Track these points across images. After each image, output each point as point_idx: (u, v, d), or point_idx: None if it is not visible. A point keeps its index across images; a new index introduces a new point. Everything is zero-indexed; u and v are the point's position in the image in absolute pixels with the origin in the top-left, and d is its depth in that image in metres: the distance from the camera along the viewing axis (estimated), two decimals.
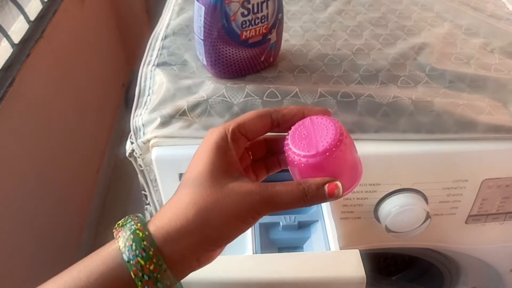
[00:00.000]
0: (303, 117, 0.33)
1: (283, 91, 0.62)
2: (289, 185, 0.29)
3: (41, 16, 1.12)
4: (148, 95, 0.64)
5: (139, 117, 0.61)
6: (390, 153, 0.59)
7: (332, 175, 0.31)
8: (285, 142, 0.33)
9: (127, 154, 0.61)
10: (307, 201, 0.29)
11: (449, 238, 0.72)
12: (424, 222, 0.62)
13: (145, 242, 0.26)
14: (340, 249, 0.52)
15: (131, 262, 0.25)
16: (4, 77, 0.92)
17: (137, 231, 0.27)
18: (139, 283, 0.25)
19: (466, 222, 0.69)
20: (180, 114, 0.59)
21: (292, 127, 0.33)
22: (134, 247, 0.26)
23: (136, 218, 0.29)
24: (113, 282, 0.25)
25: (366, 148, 0.59)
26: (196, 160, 0.31)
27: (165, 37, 0.75)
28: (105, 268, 0.26)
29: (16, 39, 1.01)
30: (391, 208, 0.61)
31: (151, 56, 0.71)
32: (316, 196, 0.29)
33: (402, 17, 0.82)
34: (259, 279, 0.45)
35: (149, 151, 0.59)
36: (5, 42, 0.98)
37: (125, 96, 1.79)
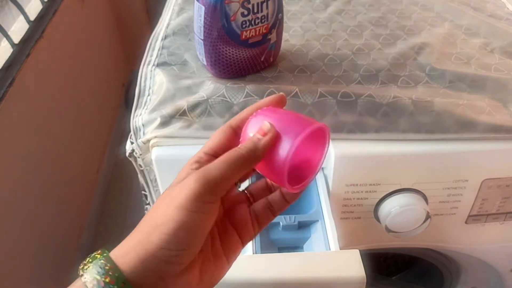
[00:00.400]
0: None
1: (283, 91, 0.62)
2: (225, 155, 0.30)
3: (41, 16, 1.12)
4: (148, 95, 0.64)
5: (139, 117, 0.61)
6: (390, 153, 0.59)
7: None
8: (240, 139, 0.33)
9: (127, 154, 0.61)
10: (247, 158, 0.30)
11: (449, 238, 0.72)
12: (424, 222, 0.62)
13: (107, 267, 0.27)
14: (340, 249, 0.51)
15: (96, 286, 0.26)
16: (4, 77, 0.92)
17: (102, 263, 0.28)
18: None
19: (466, 222, 0.69)
20: (180, 114, 0.59)
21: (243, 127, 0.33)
22: (97, 276, 0.27)
23: (98, 253, 0.30)
24: None
25: (366, 148, 0.59)
26: (179, 187, 0.30)
27: (165, 37, 0.75)
28: None
29: (16, 39, 1.01)
30: (391, 208, 0.61)
31: (151, 56, 0.71)
32: (250, 146, 0.30)
33: (402, 17, 0.82)
34: (259, 279, 0.45)
35: (149, 151, 0.59)
36: (5, 42, 0.98)
37: (125, 96, 1.79)
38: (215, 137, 0.32)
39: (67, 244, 1.18)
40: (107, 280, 0.26)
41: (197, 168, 0.31)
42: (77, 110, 1.32)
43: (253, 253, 0.52)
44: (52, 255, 1.07)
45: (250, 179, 0.38)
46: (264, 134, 0.31)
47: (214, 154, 0.32)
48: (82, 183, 1.34)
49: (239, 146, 0.31)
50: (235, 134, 0.33)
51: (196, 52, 0.66)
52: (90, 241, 1.32)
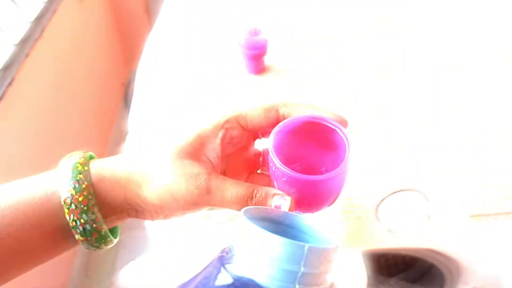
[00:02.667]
0: None
1: (283, 91, 0.62)
2: (238, 186, 0.27)
3: (41, 16, 1.12)
4: (148, 95, 0.64)
5: (139, 117, 0.60)
6: (392, 153, 0.59)
7: (303, 195, 0.26)
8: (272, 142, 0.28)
9: None
10: (246, 206, 0.27)
11: (450, 238, 0.72)
12: (424, 222, 0.62)
13: (81, 175, 0.28)
14: (341, 249, 0.51)
15: (64, 189, 0.27)
16: (3, 77, 0.91)
17: (78, 164, 0.28)
18: (66, 210, 0.27)
19: (466, 222, 0.68)
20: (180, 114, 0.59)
21: (283, 123, 0.28)
22: (70, 177, 0.27)
23: (83, 153, 0.30)
24: (44, 202, 0.27)
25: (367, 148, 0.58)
26: (182, 134, 0.30)
27: (165, 36, 0.75)
28: (39, 189, 0.27)
29: (16, 39, 1.01)
30: (392, 208, 0.61)
31: (150, 56, 0.71)
32: (259, 204, 0.27)
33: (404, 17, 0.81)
34: None
35: None
36: (4, 42, 0.98)
37: (124, 95, 1.79)
38: (258, 114, 0.29)
39: None
40: (80, 199, 0.27)
41: (222, 129, 0.29)
42: (76, 109, 1.32)
43: None
44: None
45: None
46: (279, 208, 0.27)
47: (245, 127, 0.30)
48: None
49: (259, 189, 0.27)
50: (277, 119, 0.30)
51: None
52: None
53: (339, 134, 0.27)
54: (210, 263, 0.22)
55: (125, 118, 0.63)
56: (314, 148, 0.29)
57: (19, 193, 0.27)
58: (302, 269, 0.18)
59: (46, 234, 0.27)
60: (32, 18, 1.10)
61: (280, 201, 0.27)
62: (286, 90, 0.62)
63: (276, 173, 0.27)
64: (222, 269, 0.20)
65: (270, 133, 0.28)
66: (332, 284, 0.21)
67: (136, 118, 0.62)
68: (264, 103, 0.30)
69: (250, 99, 0.61)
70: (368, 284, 0.44)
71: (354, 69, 0.68)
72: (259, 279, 0.18)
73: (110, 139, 1.61)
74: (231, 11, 0.82)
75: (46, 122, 1.12)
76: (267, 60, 0.67)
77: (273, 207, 0.26)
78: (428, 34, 0.76)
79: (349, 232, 0.67)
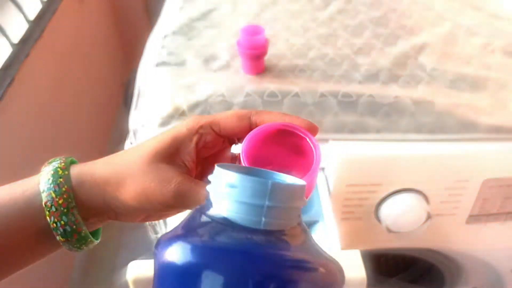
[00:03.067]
0: None
1: (283, 91, 0.62)
2: None
3: (41, 16, 1.12)
4: (148, 95, 0.64)
5: (139, 117, 0.61)
6: (391, 153, 0.59)
7: None
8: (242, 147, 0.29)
9: None
10: None
11: (450, 238, 0.72)
12: (424, 222, 0.62)
13: (61, 179, 0.29)
14: (341, 249, 0.51)
15: (45, 193, 0.28)
16: (3, 77, 0.91)
17: (58, 169, 0.29)
18: (47, 212, 0.28)
19: (466, 223, 0.68)
20: (180, 114, 0.59)
21: (255, 130, 0.29)
22: (50, 181, 0.29)
23: (64, 159, 0.31)
24: (27, 205, 0.28)
25: (367, 149, 0.58)
26: (157, 138, 0.31)
27: (165, 36, 0.75)
28: (21, 194, 0.29)
29: (16, 39, 1.01)
30: (392, 208, 0.61)
31: (151, 56, 0.71)
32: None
33: (403, 16, 0.81)
34: None
35: None
36: (4, 42, 0.98)
37: (124, 95, 1.79)
38: (231, 121, 0.31)
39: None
40: (60, 201, 0.28)
41: (196, 135, 0.30)
42: (76, 109, 1.32)
43: None
44: (51, 254, 1.07)
45: None
46: None
47: (218, 133, 0.31)
48: None
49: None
50: (249, 126, 0.31)
51: None
52: None
53: (308, 142, 0.29)
54: (189, 214, 0.24)
55: (125, 118, 0.63)
56: (285, 155, 0.30)
57: (1, 197, 0.29)
58: (267, 203, 0.20)
59: (29, 236, 0.28)
60: (32, 18, 1.10)
61: None
62: (285, 90, 0.62)
63: None
64: (200, 214, 0.22)
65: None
66: (300, 223, 0.22)
67: (137, 118, 0.62)
68: (237, 110, 0.31)
69: (250, 98, 0.61)
70: (368, 284, 0.44)
71: (355, 68, 0.68)
72: (230, 216, 0.20)
73: (110, 139, 1.61)
74: (231, 11, 0.82)
75: (46, 122, 1.12)
76: (267, 60, 0.67)
77: None
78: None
79: (349, 232, 0.67)
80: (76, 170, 0.30)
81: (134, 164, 0.29)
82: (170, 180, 0.28)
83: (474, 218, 0.68)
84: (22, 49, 1.00)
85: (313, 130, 0.30)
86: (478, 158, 0.60)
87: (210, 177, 0.23)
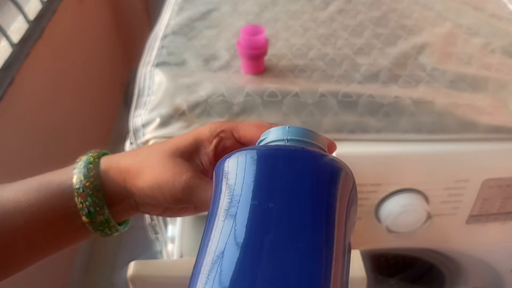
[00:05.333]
0: None
1: (283, 91, 0.62)
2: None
3: (41, 16, 1.12)
4: (148, 95, 0.64)
5: (139, 117, 0.61)
6: (391, 153, 0.59)
7: None
8: None
9: None
10: None
11: (450, 238, 0.72)
12: (425, 222, 0.62)
13: (91, 165, 0.32)
14: None
15: (75, 176, 0.31)
16: (3, 77, 0.91)
17: (91, 157, 0.33)
18: (76, 193, 0.31)
19: (466, 222, 0.68)
20: (180, 114, 0.59)
21: None
22: (82, 166, 0.32)
23: (98, 150, 0.34)
24: (60, 187, 0.31)
25: (367, 149, 0.58)
26: (181, 136, 0.33)
27: (165, 36, 0.75)
28: (57, 177, 0.32)
29: (16, 39, 1.01)
30: (392, 208, 0.61)
31: (151, 55, 0.71)
32: None
33: (403, 16, 0.81)
34: None
35: None
36: (4, 42, 0.98)
37: (124, 95, 1.79)
38: (250, 129, 0.32)
39: None
40: (87, 184, 0.31)
41: (216, 138, 0.32)
42: (76, 110, 1.32)
43: None
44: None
45: None
46: None
47: (238, 140, 0.33)
48: None
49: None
50: None
51: None
52: (88, 243, 1.32)
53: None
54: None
55: (125, 118, 0.63)
56: None
57: (43, 179, 0.32)
58: (288, 136, 0.27)
59: (60, 216, 0.31)
60: (32, 18, 1.10)
61: None
62: (285, 90, 0.62)
63: None
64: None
65: None
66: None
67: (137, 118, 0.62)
68: (260, 121, 0.34)
69: (250, 98, 0.61)
70: (368, 284, 0.44)
71: (355, 68, 0.68)
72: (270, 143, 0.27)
73: (110, 139, 1.61)
74: (231, 11, 0.82)
75: (46, 122, 1.12)
76: (267, 60, 0.67)
77: None
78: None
79: None
80: (106, 159, 0.33)
81: (154, 156, 0.32)
82: (182, 174, 0.30)
83: (474, 218, 0.68)
84: (22, 49, 1.00)
85: (330, 147, 0.31)
86: (478, 158, 0.60)
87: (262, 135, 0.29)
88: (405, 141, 0.59)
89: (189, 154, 0.32)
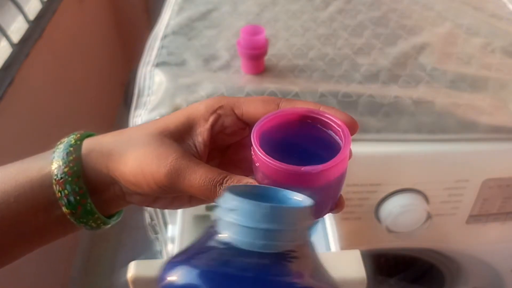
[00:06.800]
0: None
1: (283, 91, 0.62)
2: (210, 170, 0.25)
3: (41, 16, 1.12)
4: (148, 95, 0.64)
5: (139, 117, 0.61)
6: (391, 153, 0.59)
7: None
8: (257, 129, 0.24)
9: None
10: (215, 193, 0.24)
11: (450, 238, 0.72)
12: (425, 222, 0.62)
13: (71, 148, 0.28)
14: (341, 249, 0.51)
15: (54, 161, 0.27)
16: (3, 77, 0.91)
17: (72, 139, 0.28)
18: (54, 181, 0.27)
19: (467, 222, 0.68)
20: None
21: (276, 112, 0.25)
22: (61, 150, 0.28)
23: (82, 132, 0.30)
24: (39, 175, 0.27)
25: (367, 149, 0.58)
26: (173, 114, 0.29)
27: (165, 36, 0.75)
28: (37, 163, 0.28)
29: (16, 39, 1.01)
30: (392, 208, 0.61)
31: (150, 56, 0.71)
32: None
33: (403, 16, 0.81)
34: None
35: None
36: (4, 42, 0.98)
37: (124, 95, 1.79)
38: (255, 105, 0.27)
39: (66, 243, 1.18)
40: (66, 169, 0.27)
41: (213, 115, 0.27)
42: (76, 110, 1.32)
43: None
44: (51, 254, 1.07)
45: None
46: None
47: (240, 117, 0.28)
48: None
49: (229, 175, 0.25)
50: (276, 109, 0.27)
51: None
52: (88, 243, 1.32)
53: (340, 137, 0.25)
54: (197, 238, 0.22)
55: (125, 118, 0.63)
56: (307, 146, 0.26)
57: (21, 166, 0.28)
58: (266, 226, 0.19)
59: (39, 207, 0.27)
60: (32, 18, 1.10)
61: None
62: (285, 90, 0.62)
63: (255, 163, 0.24)
64: (208, 238, 0.21)
65: None
66: (306, 243, 0.21)
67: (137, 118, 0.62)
68: (265, 96, 0.28)
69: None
70: (368, 284, 0.44)
71: (355, 68, 0.68)
72: (232, 240, 0.19)
73: None
74: (231, 11, 0.82)
75: (46, 122, 1.12)
76: (267, 60, 0.67)
77: None
78: None
79: (349, 232, 0.67)
80: (88, 141, 0.29)
81: (139, 136, 0.27)
82: (168, 155, 0.25)
83: (474, 218, 0.68)
84: (22, 49, 1.00)
85: (353, 126, 0.26)
86: (478, 158, 0.60)
87: (217, 200, 0.22)
88: (405, 141, 0.59)
89: (179, 135, 0.27)
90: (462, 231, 0.70)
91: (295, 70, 0.67)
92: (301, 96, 0.61)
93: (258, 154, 0.23)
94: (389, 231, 0.63)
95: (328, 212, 0.27)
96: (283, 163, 0.22)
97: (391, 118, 0.60)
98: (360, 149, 0.58)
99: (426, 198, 0.63)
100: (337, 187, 0.25)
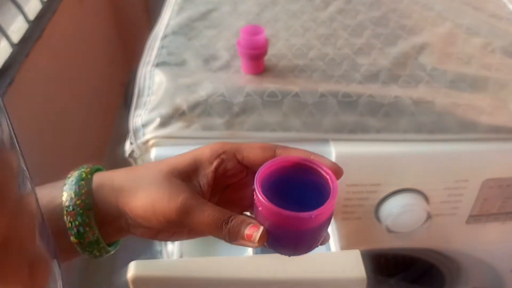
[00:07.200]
0: None
1: (283, 91, 0.62)
2: (217, 210, 0.28)
3: (41, 16, 1.12)
4: (148, 95, 0.64)
5: (139, 117, 0.61)
6: (391, 153, 0.59)
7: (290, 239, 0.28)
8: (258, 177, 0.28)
9: (127, 154, 0.61)
10: (221, 231, 0.28)
11: (450, 238, 0.72)
12: (425, 222, 0.62)
13: (83, 182, 0.30)
14: (341, 249, 0.51)
15: (65, 193, 0.30)
16: (3, 77, 0.91)
17: (83, 173, 0.31)
18: (65, 211, 0.29)
19: (467, 222, 0.68)
20: (180, 114, 0.59)
21: (275, 160, 0.29)
22: (73, 183, 0.30)
23: (91, 165, 0.32)
24: (50, 205, 0.29)
25: (367, 149, 0.58)
26: (180, 155, 0.32)
27: (165, 36, 0.75)
28: (49, 194, 0.30)
29: (16, 39, 1.01)
30: (392, 208, 0.61)
31: (150, 56, 0.71)
32: (232, 229, 0.28)
33: (403, 16, 0.81)
34: (260, 279, 0.44)
35: (148, 151, 0.59)
36: (4, 42, 0.98)
37: (124, 95, 1.79)
38: (254, 151, 0.31)
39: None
40: (78, 202, 0.29)
41: (217, 159, 0.30)
42: (76, 110, 1.32)
43: (254, 254, 0.52)
44: None
45: None
46: (248, 237, 0.28)
47: (241, 161, 0.31)
48: None
49: (233, 216, 0.28)
50: (273, 156, 0.31)
51: None
52: None
53: (328, 182, 0.28)
54: None
55: (125, 118, 0.63)
56: (300, 189, 0.30)
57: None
58: None
59: None
60: (32, 18, 1.10)
61: (253, 230, 0.28)
62: (285, 90, 0.62)
63: (258, 207, 0.28)
64: None
65: None
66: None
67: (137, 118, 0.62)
68: (264, 143, 0.32)
69: (250, 98, 0.61)
70: (368, 284, 0.44)
71: (355, 68, 0.68)
72: None
73: (110, 139, 1.61)
74: (231, 11, 0.82)
75: (46, 122, 1.12)
76: (267, 60, 0.67)
77: (245, 236, 0.28)
78: None
79: (349, 232, 0.67)
80: (99, 176, 0.31)
81: (150, 175, 0.30)
82: (179, 194, 0.29)
83: (474, 218, 0.68)
84: (22, 49, 1.00)
85: (337, 172, 0.29)
86: (478, 158, 0.60)
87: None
88: (405, 141, 0.59)
89: (187, 175, 0.30)
90: (462, 231, 0.70)
91: (295, 70, 0.67)
92: (301, 96, 0.61)
93: (261, 200, 0.27)
94: (389, 231, 0.63)
95: (318, 246, 0.31)
96: (283, 210, 0.26)
97: (391, 118, 0.60)
98: (360, 149, 0.58)
99: (426, 198, 0.63)
100: (326, 225, 0.29)
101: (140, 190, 0.29)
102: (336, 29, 0.78)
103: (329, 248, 0.52)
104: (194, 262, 0.40)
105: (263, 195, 0.27)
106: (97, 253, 0.31)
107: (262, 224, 0.28)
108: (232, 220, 0.28)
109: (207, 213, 0.28)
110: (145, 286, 0.46)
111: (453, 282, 0.87)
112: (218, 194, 0.33)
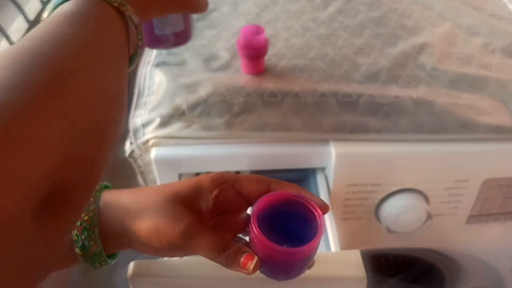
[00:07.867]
0: None
1: (283, 91, 0.62)
2: (216, 236, 0.31)
3: (41, 16, 1.12)
4: (148, 95, 0.64)
5: (139, 117, 0.61)
6: (391, 153, 0.59)
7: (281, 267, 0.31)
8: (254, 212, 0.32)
9: (127, 154, 0.61)
10: (219, 257, 0.31)
11: (450, 238, 0.72)
12: (425, 222, 0.62)
13: (91, 199, 0.32)
14: (341, 249, 0.51)
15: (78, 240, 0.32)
16: None
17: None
18: None
19: (466, 222, 0.68)
20: (180, 114, 0.59)
21: (266, 197, 0.32)
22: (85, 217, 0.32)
23: (100, 183, 0.34)
24: None
25: (367, 149, 0.58)
26: (183, 181, 0.34)
27: None
28: None
29: (16, 39, 1.01)
30: (392, 208, 0.61)
31: (151, 56, 0.71)
32: (229, 256, 0.31)
33: (403, 16, 0.81)
34: (259, 279, 0.44)
35: (148, 151, 0.59)
36: (4, 42, 0.98)
37: None
38: (251, 183, 0.33)
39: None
40: (85, 218, 0.32)
41: (218, 188, 0.33)
42: None
43: None
44: None
45: None
46: (243, 265, 0.31)
47: (238, 191, 0.34)
48: None
49: (231, 243, 0.31)
50: (268, 190, 0.34)
51: None
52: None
53: (315, 219, 0.32)
54: None
55: (125, 118, 0.63)
56: (292, 221, 0.33)
57: None
58: None
59: None
60: (32, 18, 1.10)
61: (248, 259, 0.31)
62: (285, 90, 0.62)
63: (253, 239, 0.31)
64: None
65: None
66: None
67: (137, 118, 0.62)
68: (260, 176, 0.35)
69: (250, 98, 0.61)
70: (368, 284, 0.44)
71: (355, 68, 0.68)
72: None
73: None
74: (231, 11, 0.82)
75: None
76: (267, 60, 0.67)
77: (241, 263, 0.31)
78: None
79: (349, 232, 0.67)
80: (107, 194, 0.33)
81: (155, 199, 0.32)
82: (182, 220, 0.31)
83: (474, 218, 0.68)
84: None
85: (324, 208, 0.32)
86: (478, 158, 0.60)
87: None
88: (405, 141, 0.59)
89: (189, 200, 0.33)
90: (462, 231, 0.70)
91: (295, 70, 0.67)
92: (301, 96, 0.61)
93: (257, 234, 0.30)
94: (389, 231, 0.63)
95: (305, 271, 0.34)
96: (276, 245, 0.30)
97: (391, 118, 0.60)
98: (360, 149, 0.58)
99: (426, 198, 0.63)
100: (314, 254, 0.32)
101: (146, 212, 0.31)
102: (336, 29, 0.78)
103: (329, 248, 0.52)
104: (194, 262, 0.40)
105: (258, 230, 0.30)
106: (98, 265, 0.33)
107: (256, 254, 0.31)
108: (230, 247, 0.31)
109: (207, 239, 0.31)
110: (145, 286, 0.46)
111: (453, 282, 0.87)
112: (215, 218, 0.35)
